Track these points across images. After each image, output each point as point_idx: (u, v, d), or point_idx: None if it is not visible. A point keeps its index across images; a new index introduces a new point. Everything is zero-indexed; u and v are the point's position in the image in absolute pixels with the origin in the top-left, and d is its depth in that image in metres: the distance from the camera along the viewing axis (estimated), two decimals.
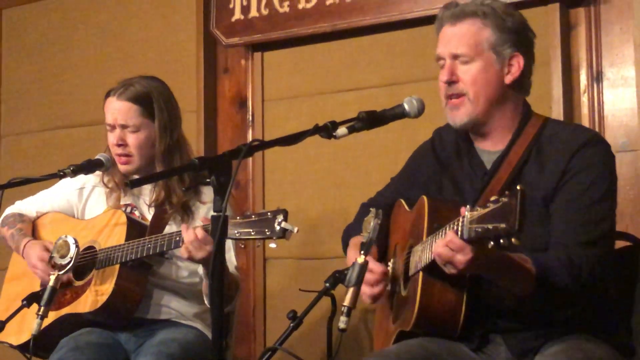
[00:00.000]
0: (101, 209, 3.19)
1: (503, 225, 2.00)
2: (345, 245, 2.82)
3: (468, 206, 2.11)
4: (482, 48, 2.48)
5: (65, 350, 2.94)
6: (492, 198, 2.05)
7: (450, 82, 2.51)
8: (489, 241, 2.04)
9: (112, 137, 3.11)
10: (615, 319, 2.50)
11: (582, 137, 2.46)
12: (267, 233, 2.53)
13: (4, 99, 4.74)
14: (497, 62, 2.49)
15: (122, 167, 3.12)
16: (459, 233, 2.15)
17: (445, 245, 2.19)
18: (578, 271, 2.31)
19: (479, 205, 2.12)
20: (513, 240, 2.00)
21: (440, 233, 2.28)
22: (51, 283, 2.84)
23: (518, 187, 2.00)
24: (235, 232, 2.57)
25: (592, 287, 2.34)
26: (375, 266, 2.54)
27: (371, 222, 2.31)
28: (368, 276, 2.51)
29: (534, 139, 2.49)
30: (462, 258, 2.18)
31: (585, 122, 3.34)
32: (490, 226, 2.03)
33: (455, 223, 2.18)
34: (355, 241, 2.70)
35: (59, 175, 2.99)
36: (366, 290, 2.53)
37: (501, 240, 2.01)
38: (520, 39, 2.51)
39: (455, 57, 2.51)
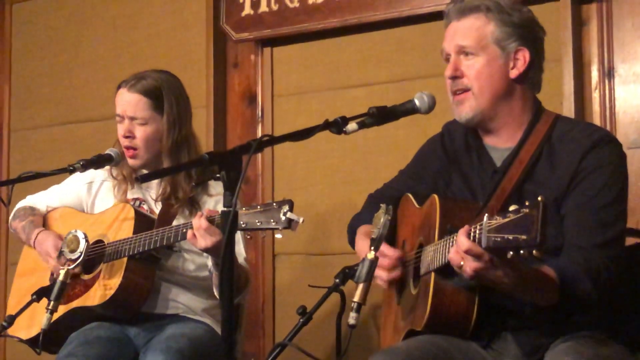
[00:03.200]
0: (110, 203, 3.20)
1: (524, 237, 1.97)
2: (351, 234, 2.82)
3: (487, 214, 2.09)
4: (486, 42, 2.48)
5: (74, 344, 2.94)
6: (512, 208, 2.03)
7: (455, 77, 2.51)
8: (509, 251, 2.02)
9: (121, 129, 3.13)
10: (624, 316, 2.49)
11: (593, 136, 2.44)
12: (273, 223, 2.53)
13: (14, 93, 4.75)
14: (502, 56, 2.48)
15: (130, 161, 3.13)
16: (477, 241, 2.11)
17: (461, 252, 2.15)
18: (597, 274, 2.29)
19: (494, 211, 2.11)
20: (534, 252, 1.97)
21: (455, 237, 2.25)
22: (61, 277, 2.84)
23: (539, 199, 1.98)
24: (241, 222, 2.58)
25: (610, 288, 2.32)
26: (390, 251, 2.52)
27: (381, 218, 2.30)
28: (384, 261, 2.50)
29: (545, 137, 2.48)
30: (477, 264, 2.13)
31: (597, 119, 3.33)
32: (510, 237, 2.00)
33: (473, 230, 2.15)
34: (364, 229, 2.69)
35: (69, 170, 3.00)
36: (382, 274, 2.52)
37: (521, 252, 1.99)
38: (526, 33, 2.49)
39: (459, 50, 2.51)
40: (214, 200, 3.10)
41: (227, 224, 2.07)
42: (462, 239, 2.14)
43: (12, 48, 4.77)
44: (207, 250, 2.78)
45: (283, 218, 2.51)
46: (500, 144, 2.54)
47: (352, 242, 2.81)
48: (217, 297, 2.98)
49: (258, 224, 2.56)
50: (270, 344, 3.94)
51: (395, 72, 3.74)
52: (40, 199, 3.32)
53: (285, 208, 2.51)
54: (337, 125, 2.32)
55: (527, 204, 2.00)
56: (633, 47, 3.31)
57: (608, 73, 3.34)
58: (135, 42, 4.39)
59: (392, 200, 2.72)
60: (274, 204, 2.55)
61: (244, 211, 2.58)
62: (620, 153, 2.47)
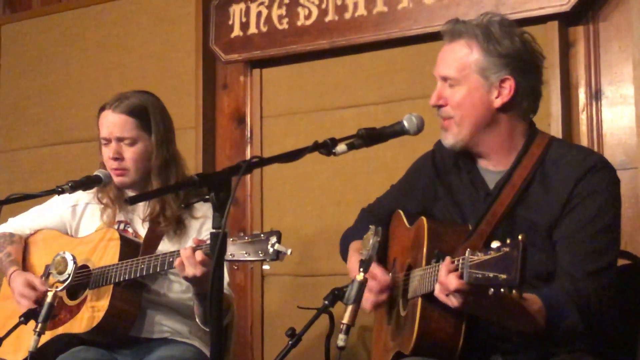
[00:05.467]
0: (95, 226, 3.17)
1: (504, 276, 2.00)
2: (343, 249, 2.81)
3: (469, 249, 2.10)
4: (469, 72, 2.47)
5: None
6: (494, 244, 2.04)
7: (438, 106, 2.52)
8: (490, 288, 2.04)
9: (108, 151, 3.09)
10: (616, 337, 2.48)
11: (587, 161, 2.42)
12: (261, 255, 2.51)
13: (2, 114, 4.74)
14: (485, 86, 2.46)
15: (117, 180, 3.09)
16: (459, 275, 2.14)
17: (450, 290, 2.17)
18: (586, 304, 2.29)
19: (483, 235, 2.15)
20: (514, 292, 1.99)
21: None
22: (48, 299, 2.82)
23: (520, 238, 1.99)
24: (229, 253, 2.56)
25: (599, 317, 2.32)
26: (380, 274, 2.54)
27: (370, 240, 2.30)
28: (373, 284, 2.50)
29: (539, 160, 2.47)
30: (462, 299, 2.17)
31: (584, 140, 3.34)
32: (491, 274, 2.02)
33: (456, 262, 2.17)
34: (356, 246, 2.69)
35: (58, 192, 2.96)
36: (370, 297, 2.52)
37: (502, 290, 2.01)
38: (514, 62, 2.45)
39: (443, 79, 2.51)
40: (199, 222, 3.08)
41: (216, 245, 2.06)
42: (452, 279, 2.15)
43: (0, 69, 4.77)
44: (193, 279, 2.76)
45: (271, 250, 2.49)
46: (492, 166, 2.54)
47: (344, 257, 2.81)
48: (199, 324, 2.96)
49: (246, 255, 2.54)
50: None
51: (384, 94, 3.75)
52: (23, 222, 3.28)
53: (274, 239, 2.49)
54: (326, 147, 2.32)
55: (508, 242, 2.02)
56: (620, 69, 3.33)
57: (595, 95, 3.36)
58: (124, 63, 4.39)
59: (384, 216, 2.72)
60: (262, 235, 2.53)
61: (232, 242, 2.56)
62: (614, 179, 2.46)
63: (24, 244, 3.26)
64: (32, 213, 3.29)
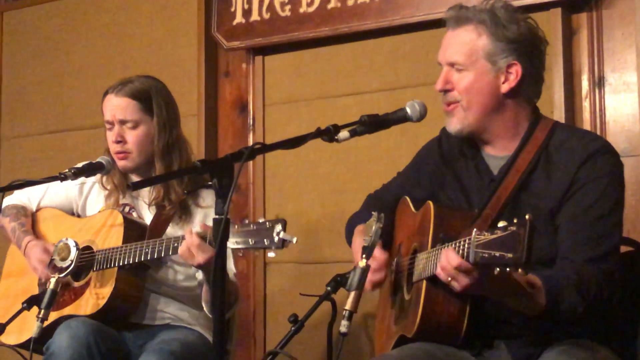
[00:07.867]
0: (100, 207, 3.19)
1: (510, 255, 1.99)
2: (349, 233, 2.81)
3: (475, 229, 2.10)
4: (477, 57, 2.46)
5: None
6: (500, 224, 2.04)
7: (445, 91, 2.51)
8: (496, 267, 2.04)
9: (111, 135, 3.11)
10: (617, 324, 2.49)
11: (591, 146, 2.42)
12: (266, 243, 2.51)
13: (5, 101, 4.74)
14: (492, 71, 2.45)
15: (120, 163, 3.11)
16: (465, 255, 2.13)
17: (450, 266, 2.17)
18: (587, 289, 2.29)
19: (488, 219, 2.15)
20: (520, 271, 1.99)
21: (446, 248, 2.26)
22: (51, 286, 2.84)
23: (527, 217, 1.99)
24: (234, 241, 2.56)
25: (600, 302, 2.32)
26: (378, 253, 2.52)
27: (373, 226, 2.30)
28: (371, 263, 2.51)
29: (543, 145, 2.46)
30: (466, 280, 2.16)
31: (587, 128, 3.34)
32: (497, 254, 2.02)
33: (462, 243, 2.16)
34: (361, 228, 2.69)
35: (60, 178, 2.96)
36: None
37: (507, 269, 2.01)
38: (521, 48, 2.45)
39: (450, 64, 2.50)
40: (204, 212, 3.09)
41: (218, 232, 2.06)
42: (452, 256, 2.15)
43: (2, 56, 4.77)
44: (200, 266, 2.78)
45: (276, 238, 2.49)
46: (496, 152, 2.54)
47: (349, 240, 2.81)
48: (207, 312, 2.97)
49: (251, 242, 2.54)
50: (261, 353, 3.93)
51: (386, 81, 3.75)
52: (30, 197, 3.29)
53: (279, 228, 2.49)
54: (329, 133, 2.32)
55: (515, 221, 2.02)
56: (623, 56, 3.32)
57: (598, 82, 3.35)
58: (126, 50, 4.39)
59: (390, 202, 2.73)
60: (267, 223, 2.53)
61: (237, 229, 2.56)
62: (618, 163, 2.45)
63: (32, 219, 3.27)
64: (40, 189, 3.29)
